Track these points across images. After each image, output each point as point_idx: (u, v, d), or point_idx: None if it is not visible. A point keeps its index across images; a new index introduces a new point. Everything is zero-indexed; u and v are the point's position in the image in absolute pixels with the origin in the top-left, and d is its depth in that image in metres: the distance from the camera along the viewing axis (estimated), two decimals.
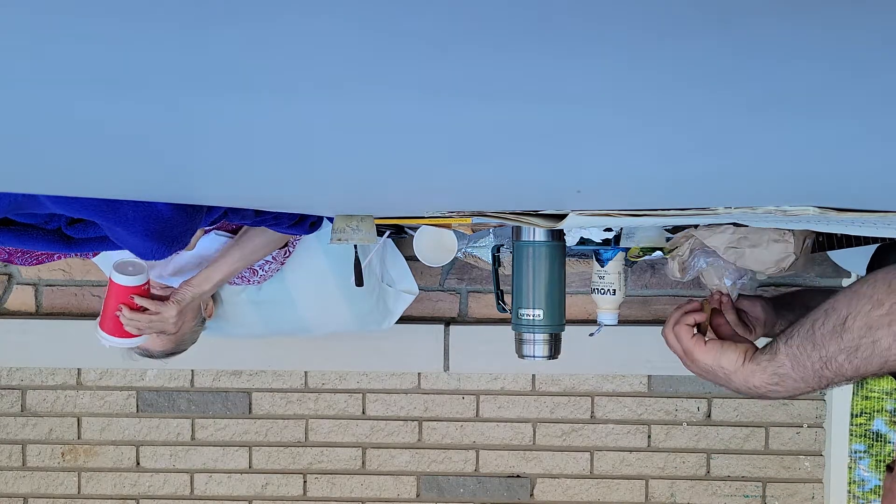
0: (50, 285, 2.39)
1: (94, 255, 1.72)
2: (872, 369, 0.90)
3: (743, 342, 1.07)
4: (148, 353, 1.74)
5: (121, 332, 1.61)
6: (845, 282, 2.29)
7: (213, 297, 1.89)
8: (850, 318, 0.90)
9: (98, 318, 1.64)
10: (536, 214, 1.15)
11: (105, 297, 1.62)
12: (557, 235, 1.41)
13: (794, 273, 1.42)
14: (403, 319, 2.19)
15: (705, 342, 1.08)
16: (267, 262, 1.77)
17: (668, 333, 1.14)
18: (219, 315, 1.94)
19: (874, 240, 1.24)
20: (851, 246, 1.34)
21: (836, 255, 1.96)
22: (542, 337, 1.39)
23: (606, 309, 1.64)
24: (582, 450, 2.39)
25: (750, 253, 1.34)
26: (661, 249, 1.52)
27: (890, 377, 0.99)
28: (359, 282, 1.79)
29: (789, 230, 1.30)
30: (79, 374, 2.41)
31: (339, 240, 1.21)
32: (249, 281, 1.81)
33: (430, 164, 0.67)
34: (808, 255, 1.37)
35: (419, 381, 2.38)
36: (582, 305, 2.29)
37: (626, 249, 1.59)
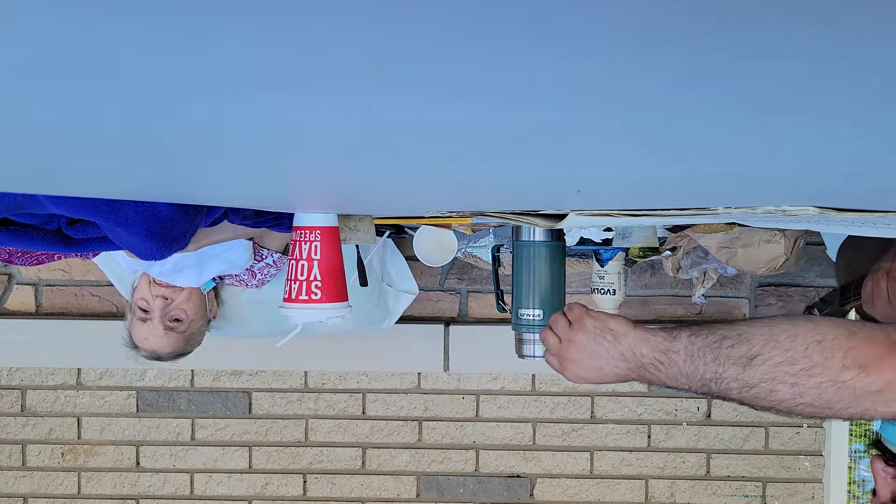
0: (50, 285, 2.39)
1: (94, 256, 1.72)
2: (757, 406, 0.94)
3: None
4: (157, 356, 1.74)
5: (342, 292, 1.23)
6: None
7: (216, 297, 1.89)
8: (759, 359, 0.91)
9: (304, 294, 1.21)
10: (536, 214, 1.15)
11: (305, 257, 1.20)
12: (557, 235, 1.41)
13: (787, 272, 1.42)
14: (403, 319, 2.19)
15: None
16: (267, 265, 1.77)
17: (553, 319, 1.13)
18: (219, 315, 1.94)
19: None
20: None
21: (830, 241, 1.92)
22: None
23: (606, 309, 1.64)
24: (582, 450, 2.39)
25: (742, 253, 1.35)
26: (657, 249, 1.52)
27: None
28: (363, 281, 1.79)
29: (780, 231, 1.31)
30: (79, 374, 2.41)
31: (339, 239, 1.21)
32: (248, 284, 1.81)
33: (430, 164, 0.67)
34: (800, 254, 1.38)
35: (419, 381, 2.38)
36: None
37: (626, 249, 1.59)
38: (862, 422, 2.78)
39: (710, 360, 0.94)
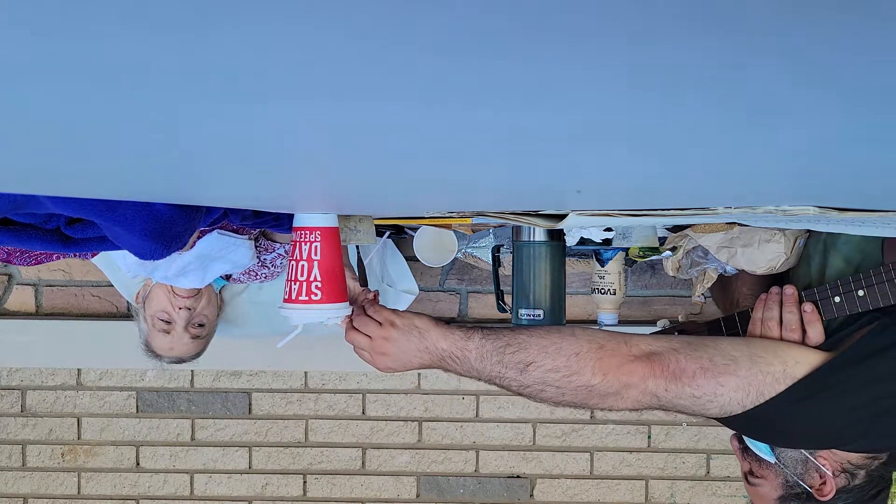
0: (50, 285, 2.39)
1: (92, 256, 1.72)
2: (533, 399, 1.15)
3: None
4: (180, 360, 1.77)
5: (342, 293, 1.23)
6: None
7: (221, 296, 1.89)
8: (533, 365, 1.12)
9: (303, 294, 1.20)
10: (536, 214, 1.15)
11: (305, 257, 1.19)
12: (557, 235, 1.41)
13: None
14: None
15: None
16: (279, 255, 1.76)
17: (359, 322, 1.23)
18: (220, 315, 1.94)
19: None
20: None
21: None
22: None
23: (606, 309, 1.64)
24: (582, 450, 2.39)
25: (742, 252, 1.35)
26: (657, 249, 1.52)
27: None
28: (363, 282, 1.79)
29: (780, 230, 1.31)
30: (79, 374, 2.41)
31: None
32: (257, 275, 1.80)
33: (430, 164, 0.67)
34: (800, 254, 1.38)
35: (419, 382, 2.38)
36: (582, 305, 2.29)
37: (626, 249, 1.59)
38: None
39: (496, 363, 1.13)
